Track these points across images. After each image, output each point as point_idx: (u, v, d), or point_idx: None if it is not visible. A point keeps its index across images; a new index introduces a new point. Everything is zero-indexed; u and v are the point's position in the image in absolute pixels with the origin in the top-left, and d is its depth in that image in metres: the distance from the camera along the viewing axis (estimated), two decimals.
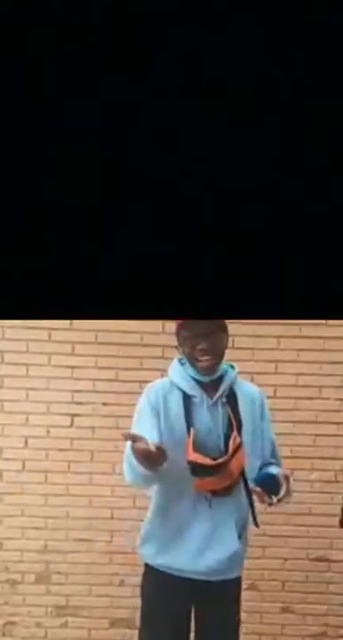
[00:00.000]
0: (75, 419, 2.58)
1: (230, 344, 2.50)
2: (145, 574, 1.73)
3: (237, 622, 1.74)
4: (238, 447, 1.58)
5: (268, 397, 2.54)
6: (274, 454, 1.75)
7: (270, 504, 1.54)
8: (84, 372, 2.57)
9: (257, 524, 1.66)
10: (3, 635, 2.62)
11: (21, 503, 2.60)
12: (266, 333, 2.51)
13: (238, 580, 1.73)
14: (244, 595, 2.58)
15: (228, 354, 2.53)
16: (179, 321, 1.64)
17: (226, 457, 1.56)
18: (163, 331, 2.47)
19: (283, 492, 1.53)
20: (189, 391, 1.64)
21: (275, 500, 1.53)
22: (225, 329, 1.67)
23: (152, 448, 1.38)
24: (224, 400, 1.64)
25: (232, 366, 1.72)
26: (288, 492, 1.55)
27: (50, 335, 2.57)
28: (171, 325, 2.51)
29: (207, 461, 1.55)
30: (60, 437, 2.58)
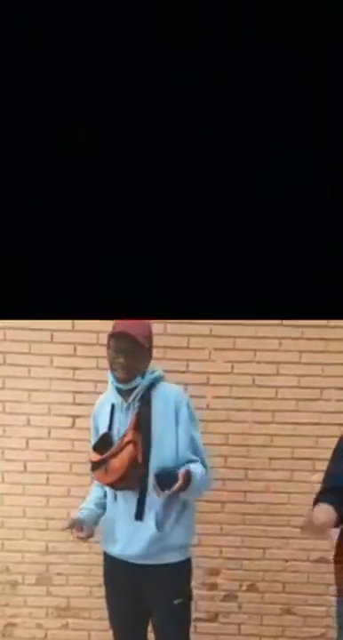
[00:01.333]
0: (77, 420, 2.58)
1: (232, 345, 2.52)
2: (104, 560, 1.96)
3: (182, 604, 1.86)
4: (126, 444, 1.76)
5: (269, 398, 2.56)
6: (195, 451, 1.85)
7: (162, 496, 1.71)
8: (86, 373, 2.57)
9: (139, 517, 1.78)
10: (4, 636, 2.62)
11: (22, 504, 2.60)
12: (267, 335, 2.52)
13: (182, 564, 1.86)
14: (245, 596, 2.60)
15: (230, 355, 2.54)
16: (110, 330, 1.80)
17: (107, 454, 1.78)
18: (164, 332, 2.47)
19: (175, 487, 1.69)
20: (112, 398, 1.87)
21: (167, 493, 1.69)
22: (145, 349, 1.82)
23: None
24: (136, 404, 1.81)
25: (154, 370, 1.87)
26: (187, 486, 1.71)
27: (52, 336, 2.57)
28: (174, 327, 2.53)
29: (95, 458, 1.80)
30: (62, 439, 2.58)
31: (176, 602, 1.84)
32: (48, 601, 2.63)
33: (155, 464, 1.78)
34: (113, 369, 1.81)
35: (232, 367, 2.53)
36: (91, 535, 1.85)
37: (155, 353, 2.63)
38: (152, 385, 1.84)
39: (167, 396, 1.84)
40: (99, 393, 2.56)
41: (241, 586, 2.60)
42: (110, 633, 2.58)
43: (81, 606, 2.61)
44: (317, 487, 2.51)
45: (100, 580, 2.56)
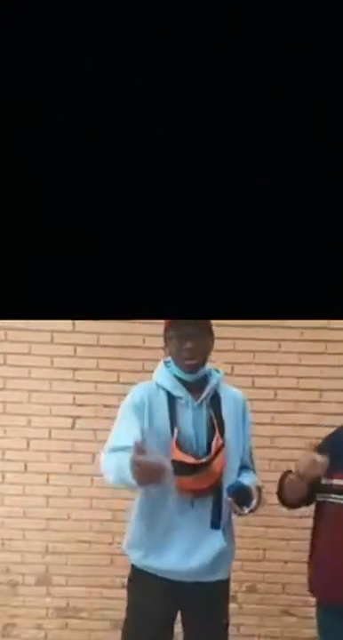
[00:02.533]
0: (77, 420, 2.59)
1: (231, 347, 2.53)
2: (131, 575, 1.73)
3: (225, 625, 1.74)
4: (220, 448, 1.62)
5: (269, 400, 2.57)
6: (251, 458, 1.80)
7: (240, 514, 1.59)
8: (86, 374, 2.58)
9: (216, 526, 1.64)
10: (4, 636, 2.62)
11: (23, 505, 2.60)
12: (267, 336, 2.52)
13: (225, 583, 1.74)
14: (244, 597, 2.60)
15: (230, 356, 2.54)
16: (167, 321, 1.69)
17: (208, 457, 1.61)
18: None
19: (254, 504, 1.58)
20: (174, 392, 1.67)
21: (246, 511, 1.57)
22: (211, 331, 1.72)
23: (160, 466, 1.40)
24: (208, 402, 1.68)
25: (217, 370, 1.77)
26: (259, 503, 1.60)
27: (52, 337, 2.57)
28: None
29: (190, 460, 1.60)
30: (62, 439, 2.59)
31: (224, 621, 1.71)
32: (48, 601, 2.63)
33: (228, 471, 1.66)
34: (181, 357, 1.64)
35: (232, 368, 2.53)
36: (158, 467, 1.41)
37: (155, 355, 2.64)
38: (218, 384, 1.72)
39: (235, 398, 1.74)
40: (100, 394, 2.59)
41: (240, 587, 2.60)
42: (110, 634, 2.59)
43: (80, 607, 2.62)
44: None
45: (100, 580, 2.59)
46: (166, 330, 1.69)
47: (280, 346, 2.54)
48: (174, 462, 1.58)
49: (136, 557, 1.69)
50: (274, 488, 2.54)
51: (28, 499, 2.60)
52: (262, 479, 2.54)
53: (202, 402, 1.68)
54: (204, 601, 1.66)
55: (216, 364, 2.52)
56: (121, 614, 2.57)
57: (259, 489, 1.61)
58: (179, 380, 1.69)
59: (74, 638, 2.62)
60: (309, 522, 2.55)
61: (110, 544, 2.59)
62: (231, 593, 2.57)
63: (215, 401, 1.69)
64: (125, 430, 1.60)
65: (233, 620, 2.58)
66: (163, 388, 1.68)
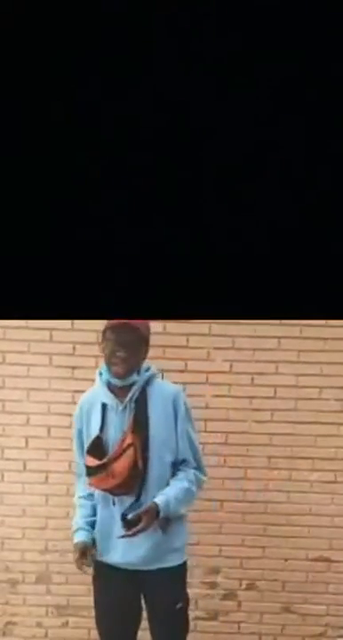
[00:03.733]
0: None
1: (231, 344, 2.52)
2: (95, 568, 1.86)
3: (180, 609, 1.84)
4: (126, 448, 1.71)
5: (268, 397, 2.56)
6: (192, 449, 1.83)
7: (127, 534, 1.69)
8: (85, 372, 2.57)
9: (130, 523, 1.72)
10: (4, 634, 2.63)
11: (22, 503, 2.60)
12: (266, 334, 2.51)
13: (178, 568, 1.84)
14: (244, 594, 2.60)
15: (229, 354, 2.54)
16: (109, 322, 1.75)
17: (108, 457, 1.72)
18: (163, 331, 2.47)
19: (137, 528, 1.67)
20: (104, 399, 1.79)
21: (130, 532, 1.68)
22: (147, 340, 1.79)
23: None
24: (133, 404, 1.76)
25: (147, 369, 1.82)
26: (146, 527, 1.68)
27: (51, 335, 2.57)
28: (174, 326, 2.53)
29: (93, 463, 1.73)
30: (61, 437, 2.58)
31: (178, 606, 1.82)
32: (48, 599, 2.63)
33: (155, 467, 1.75)
34: (111, 363, 1.74)
35: (231, 366, 2.53)
36: (94, 558, 1.79)
37: (153, 352, 2.63)
38: (147, 383, 1.79)
39: (164, 395, 1.79)
40: None
41: (240, 584, 2.60)
42: None
43: (81, 604, 2.61)
44: (316, 486, 2.54)
45: None
46: (104, 331, 1.76)
47: (279, 343, 2.54)
48: (86, 467, 1.78)
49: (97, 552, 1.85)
50: (273, 485, 2.55)
51: (28, 497, 2.60)
52: (261, 477, 2.56)
53: (126, 405, 1.76)
54: (158, 585, 1.79)
55: (215, 362, 2.53)
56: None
57: (151, 509, 1.68)
58: (110, 384, 1.78)
59: (74, 636, 2.62)
60: (308, 519, 2.57)
61: None
62: (231, 591, 2.58)
63: (141, 401, 1.76)
64: (75, 450, 1.89)
65: (233, 618, 2.61)
66: (99, 396, 1.81)
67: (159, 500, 1.71)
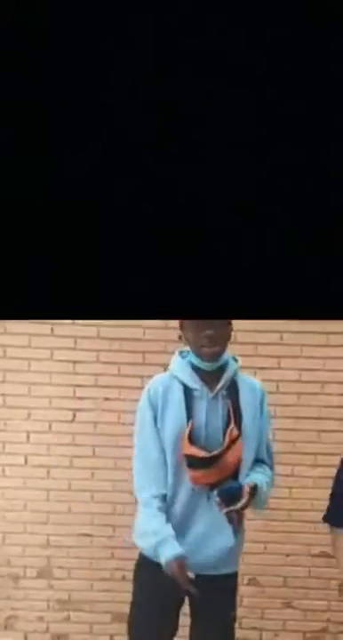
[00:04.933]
0: (77, 413, 2.58)
1: (233, 339, 2.49)
2: (139, 564, 1.73)
3: (233, 618, 1.74)
4: (234, 440, 1.59)
5: (271, 393, 2.54)
6: (268, 451, 1.75)
7: (223, 511, 1.55)
8: (86, 366, 2.57)
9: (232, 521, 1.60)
10: (6, 629, 2.63)
11: (23, 498, 2.60)
12: (269, 328, 2.50)
13: (234, 575, 1.73)
14: (246, 590, 2.60)
15: (231, 348, 2.52)
16: None
17: (220, 449, 1.58)
18: (165, 325, 2.46)
19: (239, 505, 1.54)
20: (190, 384, 1.64)
21: (227, 508, 1.54)
22: (229, 320, 1.68)
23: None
24: (224, 393, 1.64)
25: (235, 359, 1.71)
26: (249, 503, 1.56)
27: (52, 330, 2.56)
28: (176, 322, 2.51)
29: (201, 454, 1.57)
30: (62, 432, 2.58)
31: (231, 614, 1.71)
32: (49, 594, 2.63)
33: (244, 463, 1.63)
34: (200, 345, 1.59)
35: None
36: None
37: (155, 347, 2.63)
38: (235, 373, 1.67)
39: (253, 389, 1.69)
40: (100, 386, 2.57)
41: (242, 580, 2.59)
42: (112, 626, 2.59)
43: (82, 599, 2.62)
44: (318, 481, 2.53)
45: (101, 573, 2.59)
46: None
47: (282, 338, 2.52)
48: (186, 456, 1.58)
49: (146, 548, 1.67)
50: (275, 481, 2.54)
51: (29, 492, 2.59)
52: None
53: (217, 393, 1.63)
54: (211, 593, 1.63)
55: None
56: (122, 607, 2.58)
57: (252, 488, 1.57)
58: (196, 369, 1.64)
59: (75, 630, 2.63)
60: (310, 515, 2.56)
61: (111, 537, 2.59)
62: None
63: (232, 391, 1.64)
64: (147, 445, 1.63)
65: None
66: (179, 380, 1.65)
67: (257, 480, 1.60)
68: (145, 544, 1.64)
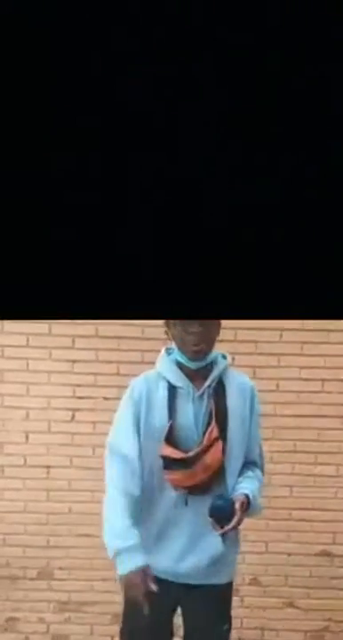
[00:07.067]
0: (76, 413, 2.57)
1: (233, 337, 2.50)
2: None
3: (226, 631, 1.64)
4: (214, 441, 1.52)
5: (271, 391, 2.54)
6: (260, 453, 1.70)
7: (218, 532, 1.49)
8: (85, 366, 2.56)
9: (218, 528, 1.51)
10: (6, 630, 2.62)
11: (23, 499, 2.59)
12: (268, 326, 2.49)
13: (227, 587, 1.65)
14: (247, 589, 2.59)
15: (231, 346, 2.52)
16: None
17: (197, 450, 1.51)
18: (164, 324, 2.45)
19: (234, 522, 1.48)
20: (175, 382, 1.57)
21: (226, 529, 1.48)
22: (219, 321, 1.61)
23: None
24: (211, 391, 1.57)
25: (224, 356, 1.64)
26: (241, 521, 1.50)
27: (50, 329, 2.55)
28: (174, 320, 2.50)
29: (177, 454, 1.51)
30: (61, 432, 2.57)
31: (225, 628, 1.62)
32: (49, 595, 2.62)
33: (232, 465, 1.57)
34: (186, 342, 1.53)
35: (233, 359, 2.50)
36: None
37: (154, 346, 2.61)
38: (223, 371, 1.60)
39: (242, 387, 1.61)
40: (99, 386, 2.56)
41: (243, 579, 2.59)
42: (112, 627, 2.58)
43: (82, 600, 2.61)
44: (319, 480, 2.52)
45: (102, 574, 2.58)
46: None
47: (281, 335, 2.52)
48: (162, 457, 1.52)
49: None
50: (276, 479, 2.54)
51: (28, 492, 2.58)
52: (264, 470, 2.54)
53: (204, 392, 1.57)
54: (201, 604, 1.57)
55: None
56: (122, 608, 2.58)
57: (244, 503, 1.51)
58: (182, 367, 1.58)
59: (76, 631, 2.62)
60: (311, 514, 2.55)
61: None
62: (234, 586, 2.56)
63: (219, 390, 1.57)
64: (122, 440, 1.57)
65: (235, 613, 2.58)
66: (164, 378, 1.58)
67: (248, 490, 1.53)
68: (108, 543, 1.54)
